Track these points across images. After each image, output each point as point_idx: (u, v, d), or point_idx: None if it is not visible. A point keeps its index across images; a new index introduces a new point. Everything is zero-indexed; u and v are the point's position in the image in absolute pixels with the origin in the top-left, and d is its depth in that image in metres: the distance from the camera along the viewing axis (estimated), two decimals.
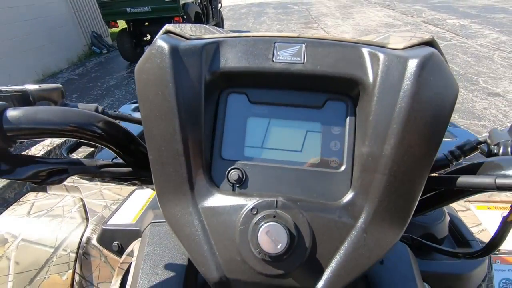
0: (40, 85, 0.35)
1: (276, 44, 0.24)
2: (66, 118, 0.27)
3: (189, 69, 0.24)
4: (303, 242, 0.22)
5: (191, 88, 0.24)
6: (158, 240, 0.41)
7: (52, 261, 0.54)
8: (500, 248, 0.55)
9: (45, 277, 0.53)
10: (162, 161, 0.24)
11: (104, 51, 6.92)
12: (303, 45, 0.24)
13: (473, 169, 0.25)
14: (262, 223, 0.21)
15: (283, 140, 0.25)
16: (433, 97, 0.21)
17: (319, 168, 0.24)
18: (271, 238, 0.21)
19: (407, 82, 0.21)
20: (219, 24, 7.53)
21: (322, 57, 0.24)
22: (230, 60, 0.25)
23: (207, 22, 6.50)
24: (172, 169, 0.24)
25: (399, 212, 0.22)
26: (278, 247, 0.21)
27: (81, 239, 0.55)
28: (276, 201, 0.22)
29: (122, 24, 5.72)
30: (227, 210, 0.23)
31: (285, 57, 0.24)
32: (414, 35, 0.24)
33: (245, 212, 0.22)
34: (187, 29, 0.28)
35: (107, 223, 0.55)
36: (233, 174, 0.25)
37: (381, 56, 0.22)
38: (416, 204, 0.22)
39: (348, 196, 0.23)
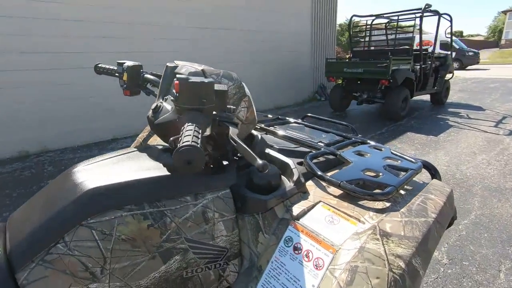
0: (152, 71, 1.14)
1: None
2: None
3: (167, 73, 0.90)
4: (161, 110, 0.75)
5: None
6: None
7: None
8: (300, 220, 0.79)
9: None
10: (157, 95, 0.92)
11: (323, 99, 8.47)
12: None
13: None
14: (158, 104, 0.75)
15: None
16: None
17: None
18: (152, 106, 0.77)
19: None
20: (440, 93, 6.97)
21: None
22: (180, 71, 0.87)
23: (423, 89, 6.32)
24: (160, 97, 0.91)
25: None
26: (153, 107, 0.76)
27: None
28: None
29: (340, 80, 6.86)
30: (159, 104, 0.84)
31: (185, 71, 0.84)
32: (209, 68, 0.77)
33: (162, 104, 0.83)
34: (180, 62, 0.94)
35: None
36: (166, 99, 0.85)
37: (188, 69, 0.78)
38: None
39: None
